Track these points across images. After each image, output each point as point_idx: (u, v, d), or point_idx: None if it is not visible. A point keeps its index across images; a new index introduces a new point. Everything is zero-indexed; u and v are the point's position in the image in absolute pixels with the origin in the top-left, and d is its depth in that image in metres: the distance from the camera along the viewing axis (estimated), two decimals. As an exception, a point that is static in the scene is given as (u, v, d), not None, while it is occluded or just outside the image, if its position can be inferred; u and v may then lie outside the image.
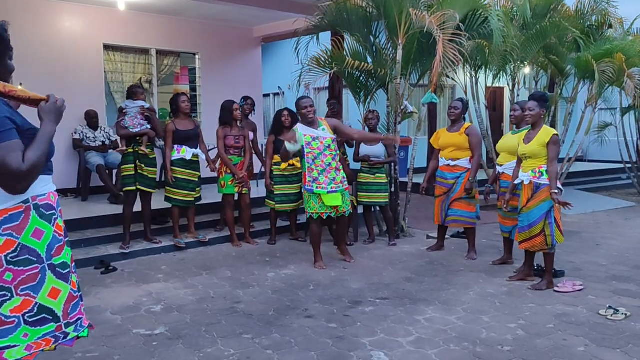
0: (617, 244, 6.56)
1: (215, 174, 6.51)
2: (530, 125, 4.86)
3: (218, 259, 5.87)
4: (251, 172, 6.95)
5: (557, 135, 4.65)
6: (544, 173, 4.62)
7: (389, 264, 5.66)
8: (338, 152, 5.56)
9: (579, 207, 9.14)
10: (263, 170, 6.67)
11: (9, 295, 2.10)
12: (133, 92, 6.16)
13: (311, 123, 5.39)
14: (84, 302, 2.45)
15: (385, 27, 6.71)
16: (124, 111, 6.05)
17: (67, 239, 2.34)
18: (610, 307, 4.17)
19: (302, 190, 5.62)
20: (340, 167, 5.52)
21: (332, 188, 5.38)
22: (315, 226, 5.57)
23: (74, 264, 2.38)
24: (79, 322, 2.33)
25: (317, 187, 5.37)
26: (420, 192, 6.17)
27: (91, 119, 7.85)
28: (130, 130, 5.93)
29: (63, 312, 2.25)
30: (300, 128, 5.37)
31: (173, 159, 6.09)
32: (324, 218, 5.52)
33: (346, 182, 5.59)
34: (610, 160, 13.20)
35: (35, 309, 2.16)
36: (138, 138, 5.96)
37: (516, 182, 4.91)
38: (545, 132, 4.65)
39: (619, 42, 8.74)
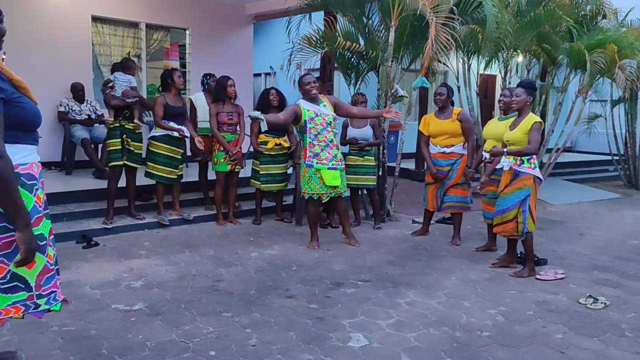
0: (601, 235, 6.60)
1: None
2: (517, 113, 4.86)
3: (202, 237, 5.83)
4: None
5: (539, 122, 4.66)
6: (525, 161, 4.67)
7: (373, 247, 5.65)
8: (338, 130, 5.64)
9: (566, 197, 9.19)
10: (251, 149, 6.61)
11: None
12: (128, 66, 6.07)
13: (313, 99, 5.45)
14: (60, 276, 2.42)
15: (378, 8, 6.63)
16: (111, 84, 5.95)
17: (46, 212, 2.31)
18: (590, 296, 4.19)
19: (300, 170, 5.56)
20: (340, 146, 5.61)
21: (332, 165, 5.45)
22: (312, 206, 5.57)
23: (52, 237, 2.35)
24: (52, 295, 2.31)
25: (317, 162, 5.38)
26: (436, 178, 5.87)
27: (77, 92, 7.72)
28: (124, 100, 5.84)
29: (36, 283, 2.24)
30: (302, 104, 5.42)
31: (157, 134, 6.00)
32: (323, 200, 5.53)
33: (343, 161, 5.64)
34: (598, 152, 13.27)
35: (8, 276, 2.15)
36: (126, 112, 5.86)
37: (497, 167, 4.93)
38: (528, 120, 4.68)
39: (612, 32, 8.70)
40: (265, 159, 6.39)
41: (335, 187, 5.46)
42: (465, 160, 5.78)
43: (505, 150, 4.71)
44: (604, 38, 8.28)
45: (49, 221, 2.32)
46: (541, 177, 4.78)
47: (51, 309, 2.33)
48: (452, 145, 5.78)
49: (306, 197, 5.53)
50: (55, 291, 2.33)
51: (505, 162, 4.75)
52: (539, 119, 4.69)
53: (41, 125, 2.33)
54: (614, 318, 3.87)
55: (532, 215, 4.71)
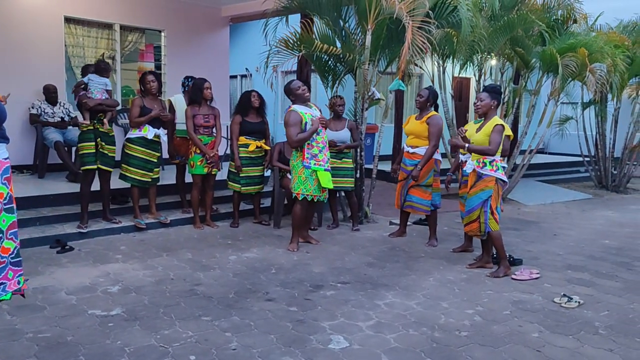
0: (574, 235, 6.74)
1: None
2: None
3: (179, 241, 5.78)
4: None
5: (501, 125, 4.79)
6: (487, 164, 4.81)
7: (352, 249, 5.67)
8: None
9: (539, 198, 9.36)
10: (228, 152, 6.57)
11: None
12: (103, 69, 5.93)
13: (305, 102, 5.50)
14: (22, 268, 2.41)
15: (355, 11, 6.67)
16: (84, 86, 5.83)
17: (9, 206, 2.30)
18: (564, 295, 4.28)
19: (295, 171, 5.48)
20: None
21: (327, 167, 5.52)
22: (302, 208, 5.56)
23: (12, 230, 2.35)
24: (2, 286, 2.30)
25: (315, 164, 5.40)
26: (392, 174, 6.25)
27: (50, 94, 7.57)
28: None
29: None
30: (298, 108, 5.42)
31: (133, 136, 5.93)
32: (315, 201, 5.57)
33: None
34: (570, 153, 13.56)
35: None
36: (100, 115, 5.76)
37: (464, 169, 5.12)
38: (491, 122, 4.83)
39: (583, 37, 8.90)
40: (245, 161, 6.37)
41: (324, 190, 5.53)
42: (431, 164, 5.80)
43: (466, 145, 4.84)
44: (575, 42, 8.47)
45: (12, 215, 2.33)
46: (504, 178, 4.90)
47: (1, 298, 2.32)
48: (417, 147, 5.85)
49: (300, 198, 5.49)
50: (5, 282, 2.33)
51: (469, 165, 4.93)
52: (500, 122, 4.83)
53: (13, 128, 2.32)
54: (587, 316, 3.96)
55: (494, 216, 4.84)
